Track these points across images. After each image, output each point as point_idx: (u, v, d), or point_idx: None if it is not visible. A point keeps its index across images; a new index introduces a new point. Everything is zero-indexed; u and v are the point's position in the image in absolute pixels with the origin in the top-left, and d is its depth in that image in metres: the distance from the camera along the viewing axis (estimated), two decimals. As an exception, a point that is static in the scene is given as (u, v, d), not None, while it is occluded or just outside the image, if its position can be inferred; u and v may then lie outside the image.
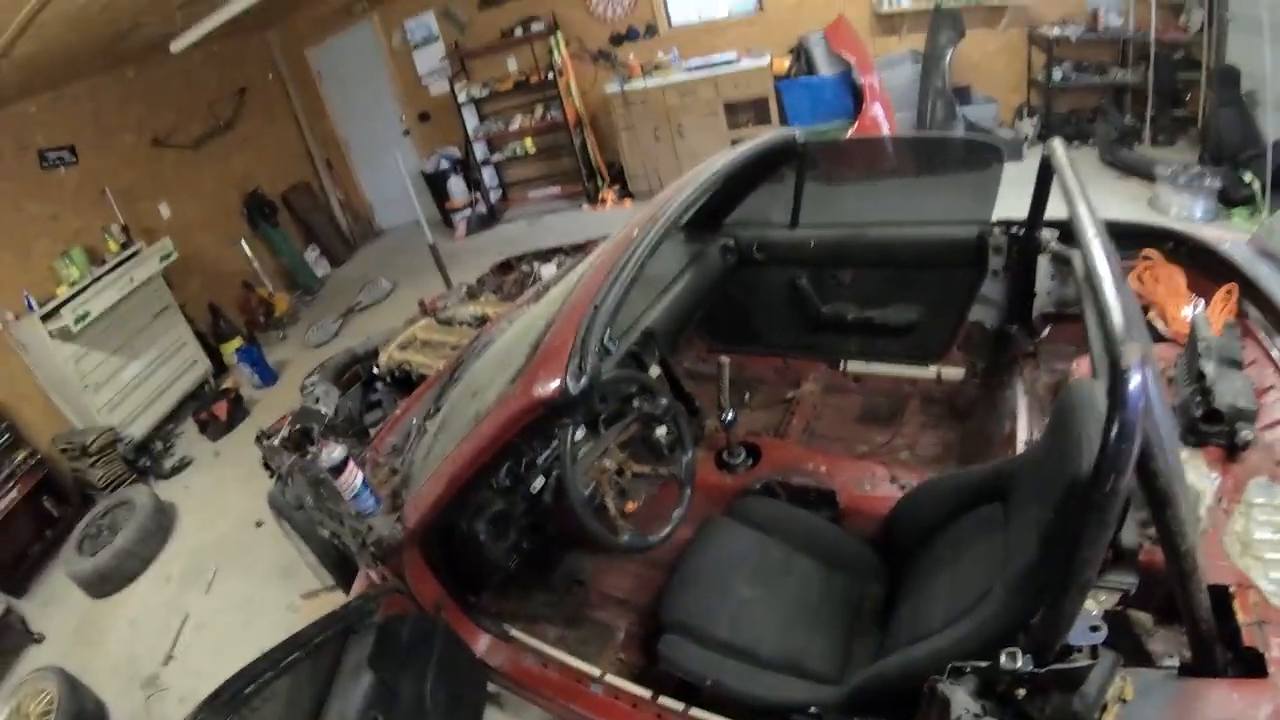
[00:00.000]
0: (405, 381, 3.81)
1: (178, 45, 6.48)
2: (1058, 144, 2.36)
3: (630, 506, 2.59)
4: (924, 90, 7.87)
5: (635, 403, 2.58)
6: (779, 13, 8.60)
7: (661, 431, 2.67)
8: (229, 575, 4.88)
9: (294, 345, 8.12)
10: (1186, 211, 6.25)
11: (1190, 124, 7.62)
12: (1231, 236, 2.80)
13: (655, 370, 3.03)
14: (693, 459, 2.66)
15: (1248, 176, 6.05)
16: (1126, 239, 2.83)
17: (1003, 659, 1.48)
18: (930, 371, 3.75)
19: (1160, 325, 2.63)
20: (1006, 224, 3.23)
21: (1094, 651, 1.45)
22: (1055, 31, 7.86)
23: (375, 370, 3.93)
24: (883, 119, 7.70)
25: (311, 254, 9.61)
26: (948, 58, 7.65)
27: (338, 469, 2.40)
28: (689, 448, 2.66)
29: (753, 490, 3.03)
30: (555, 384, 2.05)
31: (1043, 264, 3.11)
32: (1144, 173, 6.89)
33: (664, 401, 2.55)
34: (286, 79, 9.87)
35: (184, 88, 8.30)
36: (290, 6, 9.23)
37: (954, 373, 3.70)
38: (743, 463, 3.18)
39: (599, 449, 2.61)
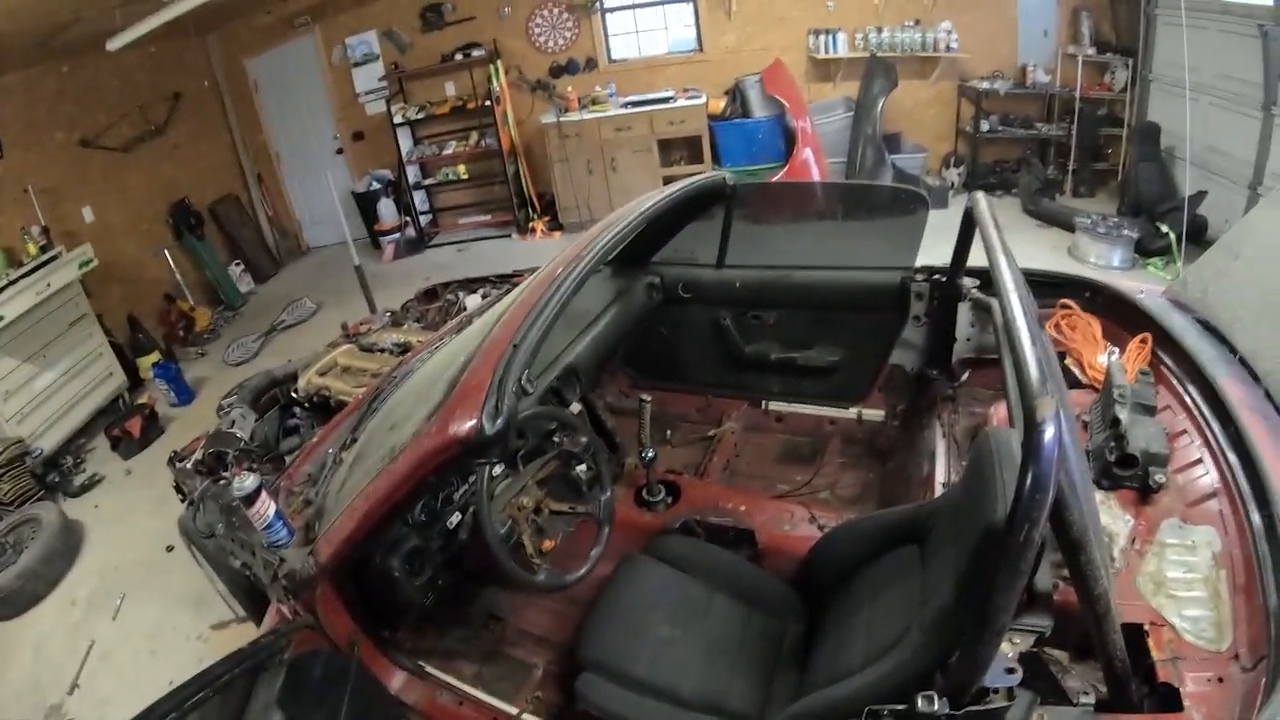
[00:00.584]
0: (324, 407, 3.73)
1: (115, 43, 6.37)
2: (981, 197, 2.40)
3: (547, 545, 2.56)
4: (855, 137, 8.05)
5: (555, 439, 2.57)
6: (717, 53, 8.78)
7: (581, 469, 2.66)
8: (137, 601, 4.70)
9: (213, 362, 7.92)
10: (1104, 260, 6.53)
11: (1110, 177, 8.04)
12: (1147, 287, 2.91)
13: (576, 406, 3.03)
14: (611, 497, 2.66)
15: (1164, 228, 6.37)
16: (1046, 288, 2.97)
17: (920, 702, 1.51)
18: (851, 412, 3.79)
19: (1077, 372, 2.73)
20: (929, 271, 3.29)
21: (1010, 693, 1.49)
22: (985, 85, 8.17)
23: (294, 394, 3.84)
24: (813, 163, 7.81)
25: (236, 269, 9.38)
26: (880, 106, 7.84)
27: (250, 498, 2.33)
28: (608, 486, 2.66)
29: (672, 529, 3.02)
30: (470, 423, 2.01)
31: (963, 311, 3.18)
32: (1064, 222, 7.19)
33: (584, 439, 2.55)
34: (223, 87, 9.69)
35: (118, 88, 8.10)
36: (232, 14, 9.10)
37: (874, 414, 3.75)
38: (662, 501, 3.19)
39: (516, 486, 2.59)
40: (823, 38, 8.41)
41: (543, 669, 2.87)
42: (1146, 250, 6.53)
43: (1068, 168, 8.10)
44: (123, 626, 4.56)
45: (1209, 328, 2.59)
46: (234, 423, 3.53)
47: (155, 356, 7.45)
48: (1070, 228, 6.96)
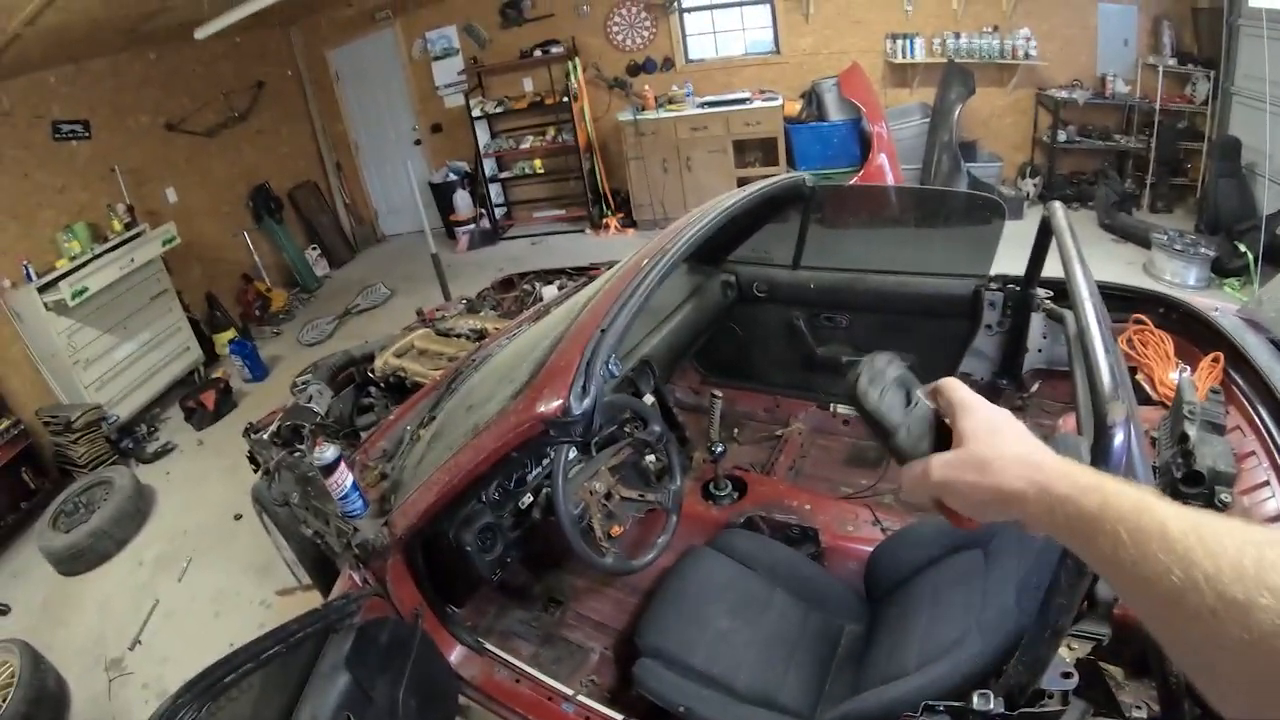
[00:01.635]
0: (400, 388, 3.79)
1: (202, 32, 6.56)
2: (1058, 207, 2.41)
3: (616, 530, 2.60)
4: (931, 143, 7.94)
5: (628, 428, 2.61)
6: (794, 56, 8.70)
7: (651, 459, 2.71)
8: (203, 565, 4.85)
9: (287, 342, 8.10)
10: (1180, 278, 6.34)
11: (1189, 192, 7.75)
12: (1221, 305, 2.84)
13: (650, 398, 3.05)
14: (680, 488, 2.68)
15: (1242, 247, 6.14)
16: (1119, 302, 2.89)
17: (975, 699, 1.52)
18: None
19: (1148, 388, 2.68)
20: (1003, 280, 3.27)
21: (1064, 698, 1.48)
22: (1063, 94, 7.96)
23: (370, 374, 3.91)
24: (888, 168, 7.74)
25: (312, 253, 9.59)
26: (956, 113, 7.72)
27: (329, 468, 2.38)
28: (678, 477, 2.68)
29: (736, 523, 3.03)
30: (558, 402, 2.06)
31: (1036, 321, 3.16)
32: (1141, 238, 6.98)
33: (657, 429, 2.57)
34: (305, 77, 9.91)
35: (203, 75, 8.35)
36: (315, 6, 9.34)
37: None
38: (728, 495, 3.20)
39: (589, 471, 2.65)
40: (900, 42, 8.30)
41: (599, 654, 2.89)
42: (1224, 269, 6.31)
43: (1145, 182, 7.84)
44: (188, 588, 4.70)
45: None
46: (311, 398, 3.62)
47: (231, 333, 7.74)
48: (1146, 243, 6.76)
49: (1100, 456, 1.27)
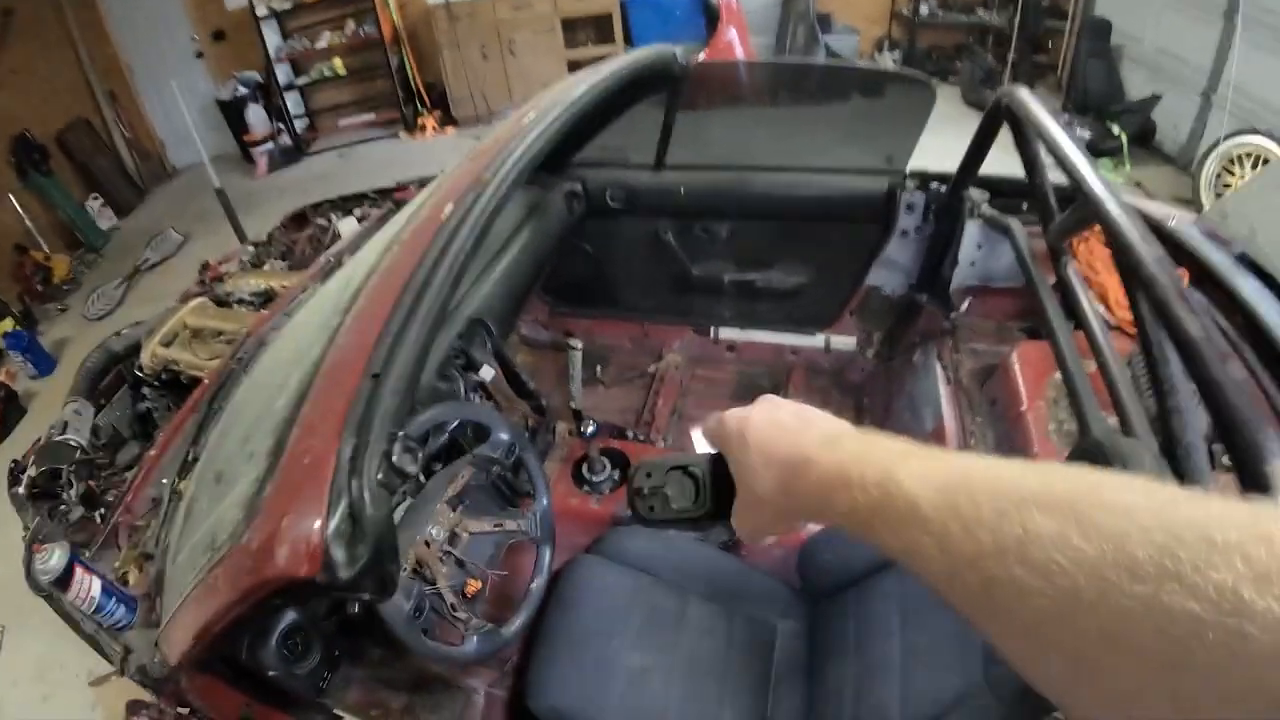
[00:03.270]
0: (176, 384, 3.07)
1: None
2: (1024, 91, 1.96)
3: (473, 587, 1.86)
4: (785, 15, 7.66)
5: (464, 440, 1.92)
6: None
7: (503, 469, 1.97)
8: (18, 633, 4.05)
9: (75, 319, 7.06)
10: None
11: (1050, 71, 8.02)
12: (1178, 214, 2.48)
13: (488, 370, 2.29)
14: (549, 507, 2.01)
15: (1115, 129, 6.35)
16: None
17: None
18: (818, 340, 3.31)
19: (1103, 311, 2.33)
20: (923, 177, 2.79)
21: None
22: None
23: (139, 373, 3.13)
24: (737, 43, 7.16)
25: (94, 204, 8.41)
26: None
27: (62, 581, 1.79)
28: (542, 491, 1.99)
29: (624, 518, 2.46)
30: (302, 558, 1.27)
31: (971, 230, 2.67)
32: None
33: (504, 437, 1.85)
34: None
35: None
36: None
37: (845, 342, 3.30)
38: (607, 479, 2.59)
39: (421, 514, 1.85)
40: None
41: (484, 694, 2.30)
42: (1096, 150, 6.34)
43: (1007, 59, 7.83)
44: (8, 666, 3.95)
45: (1257, 269, 2.19)
46: (66, 425, 2.83)
47: (9, 323, 6.48)
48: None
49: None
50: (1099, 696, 0.47)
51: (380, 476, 1.30)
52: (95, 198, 8.44)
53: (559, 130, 2.00)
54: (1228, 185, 5.31)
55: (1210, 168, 5.44)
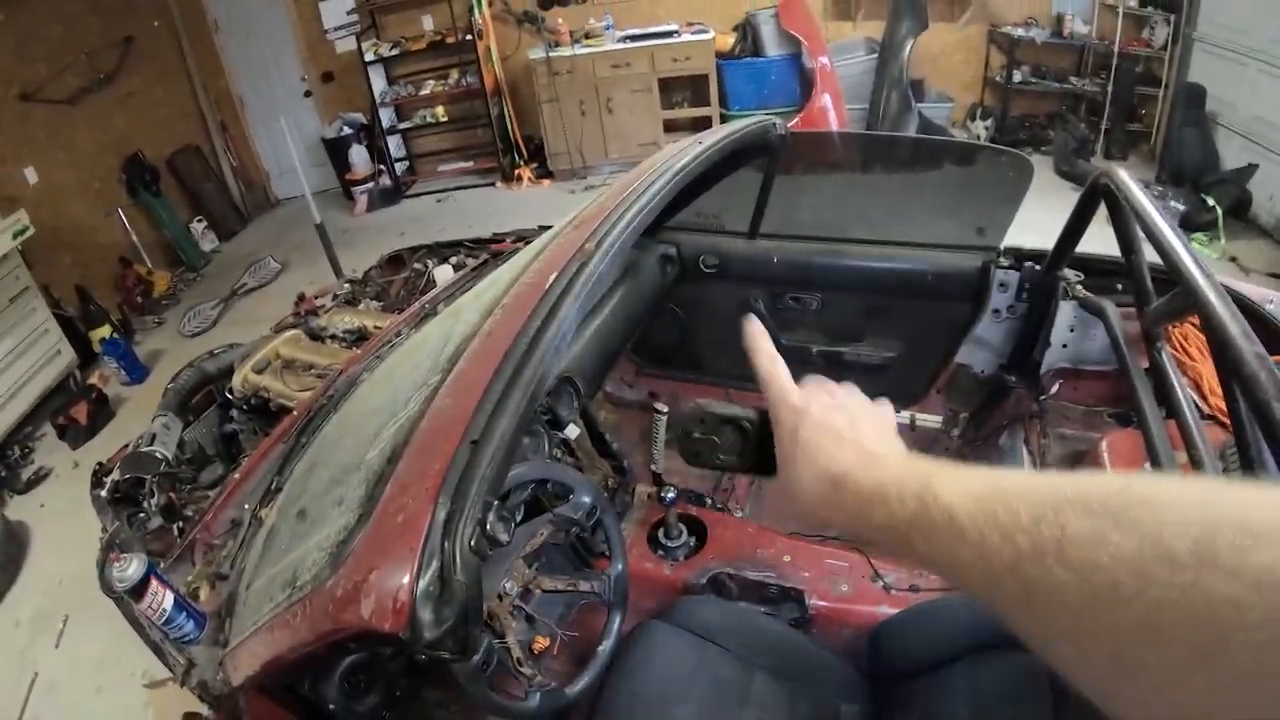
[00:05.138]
0: (264, 410, 3.11)
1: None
2: (1122, 171, 1.92)
3: (540, 644, 1.84)
4: (879, 81, 7.47)
5: (546, 499, 1.90)
6: None
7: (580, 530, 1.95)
8: (82, 624, 4.10)
9: (170, 333, 7.23)
10: None
11: (1143, 139, 7.73)
12: (1276, 296, 2.39)
13: (573, 429, 2.29)
14: (623, 573, 1.98)
15: (1210, 200, 6.09)
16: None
17: None
18: (903, 417, 3.19)
19: (1197, 398, 2.21)
20: (1018, 255, 2.73)
21: None
22: (1018, 32, 7.71)
23: (229, 395, 3.19)
24: (832, 109, 7.28)
25: (198, 226, 8.65)
26: (908, 48, 7.26)
27: (138, 589, 1.78)
28: (619, 556, 1.97)
29: (698, 585, 2.39)
30: (390, 613, 1.27)
31: (1064, 310, 2.60)
32: None
33: (586, 500, 1.83)
34: (180, 28, 8.76)
35: (62, 35, 7.28)
36: None
37: (930, 420, 3.18)
38: (683, 546, 2.52)
39: (498, 568, 1.85)
40: None
41: None
42: (1190, 224, 6.07)
43: (1099, 127, 7.64)
44: (67, 655, 4.02)
45: None
46: (154, 438, 2.88)
47: (107, 330, 6.70)
48: None
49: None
50: (1141, 693, 0.47)
51: (473, 543, 1.30)
52: (200, 220, 8.69)
53: (662, 201, 2.00)
54: None
55: None
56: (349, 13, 8.70)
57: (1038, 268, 2.63)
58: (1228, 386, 1.43)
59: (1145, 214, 1.75)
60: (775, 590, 2.32)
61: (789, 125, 2.91)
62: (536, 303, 1.59)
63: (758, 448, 0.93)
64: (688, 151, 2.20)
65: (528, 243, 2.77)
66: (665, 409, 2.56)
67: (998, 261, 2.73)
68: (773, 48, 7.79)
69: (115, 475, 2.77)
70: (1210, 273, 1.49)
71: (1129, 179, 1.89)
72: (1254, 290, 2.37)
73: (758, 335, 0.94)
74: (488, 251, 3.68)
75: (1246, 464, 1.36)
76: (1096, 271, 2.52)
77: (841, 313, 3.08)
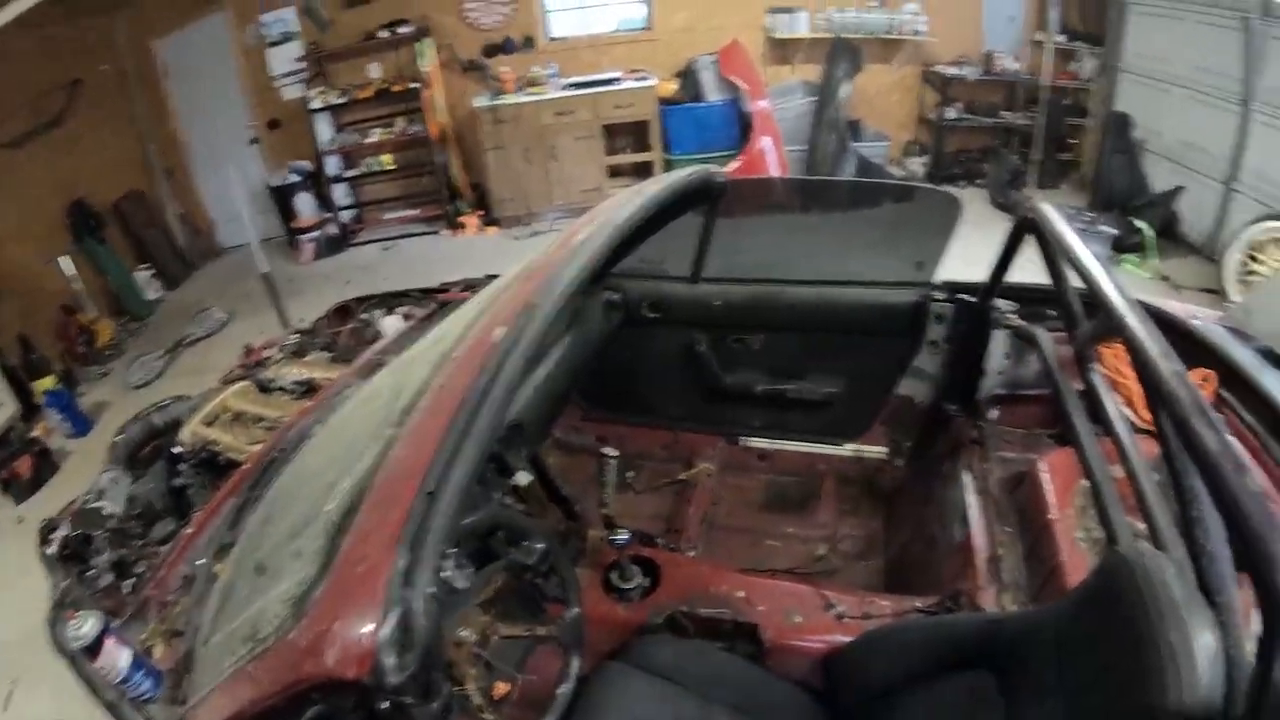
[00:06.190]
0: (213, 464, 3.06)
1: (-1, 19, 5.47)
2: (1048, 205, 2.04)
3: (500, 689, 1.88)
4: (817, 123, 7.74)
5: (499, 545, 1.91)
6: (669, 32, 8.36)
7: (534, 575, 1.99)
8: (31, 687, 3.96)
9: (115, 384, 7.09)
10: None
11: (1073, 168, 8.14)
12: (1202, 313, 2.55)
13: (523, 475, 2.34)
14: (580, 615, 2.01)
15: (1139, 223, 6.45)
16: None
17: None
18: (847, 449, 3.33)
19: (1129, 413, 2.27)
20: (952, 288, 2.87)
21: None
22: (951, 71, 8.04)
23: (178, 449, 3.14)
24: (771, 151, 7.49)
25: (144, 274, 8.48)
26: (844, 91, 7.54)
27: (92, 649, 1.81)
28: (574, 600, 2.00)
29: (654, 625, 2.42)
30: (354, 658, 1.31)
31: (997, 339, 2.71)
32: None
33: (540, 546, 1.87)
34: (130, 72, 8.67)
35: (5, 77, 7.12)
36: None
37: (875, 451, 3.30)
38: (637, 587, 2.55)
39: (453, 615, 1.89)
40: (782, 17, 8.06)
41: None
42: (1122, 246, 6.44)
43: (1031, 158, 7.98)
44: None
45: None
46: (102, 493, 2.87)
47: (51, 380, 6.56)
48: None
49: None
50: None
51: (432, 590, 1.34)
52: (145, 268, 8.50)
53: (605, 253, 2.05)
54: (1252, 272, 5.34)
55: (1235, 255, 5.49)
56: (297, 60, 8.69)
57: (972, 300, 2.75)
58: (1152, 405, 1.52)
59: (1067, 245, 1.85)
60: (730, 626, 2.35)
61: (730, 168, 3.02)
62: (485, 357, 1.64)
63: None
64: (630, 203, 2.26)
65: (475, 292, 2.80)
66: (615, 453, 2.60)
67: (932, 295, 2.85)
68: (713, 93, 7.97)
69: (63, 531, 2.73)
70: (1130, 296, 1.58)
71: (1053, 212, 1.99)
72: (1180, 308, 2.51)
73: None
74: (435, 301, 3.73)
75: (1174, 477, 1.44)
76: (1031, 299, 2.63)
77: (784, 352, 3.18)
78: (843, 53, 7.56)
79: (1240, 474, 1.16)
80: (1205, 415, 1.25)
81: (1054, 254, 2.01)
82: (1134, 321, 1.50)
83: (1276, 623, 1.00)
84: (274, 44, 8.68)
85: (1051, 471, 2.34)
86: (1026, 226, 2.17)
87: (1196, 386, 1.38)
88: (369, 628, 1.29)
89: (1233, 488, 1.15)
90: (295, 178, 8.82)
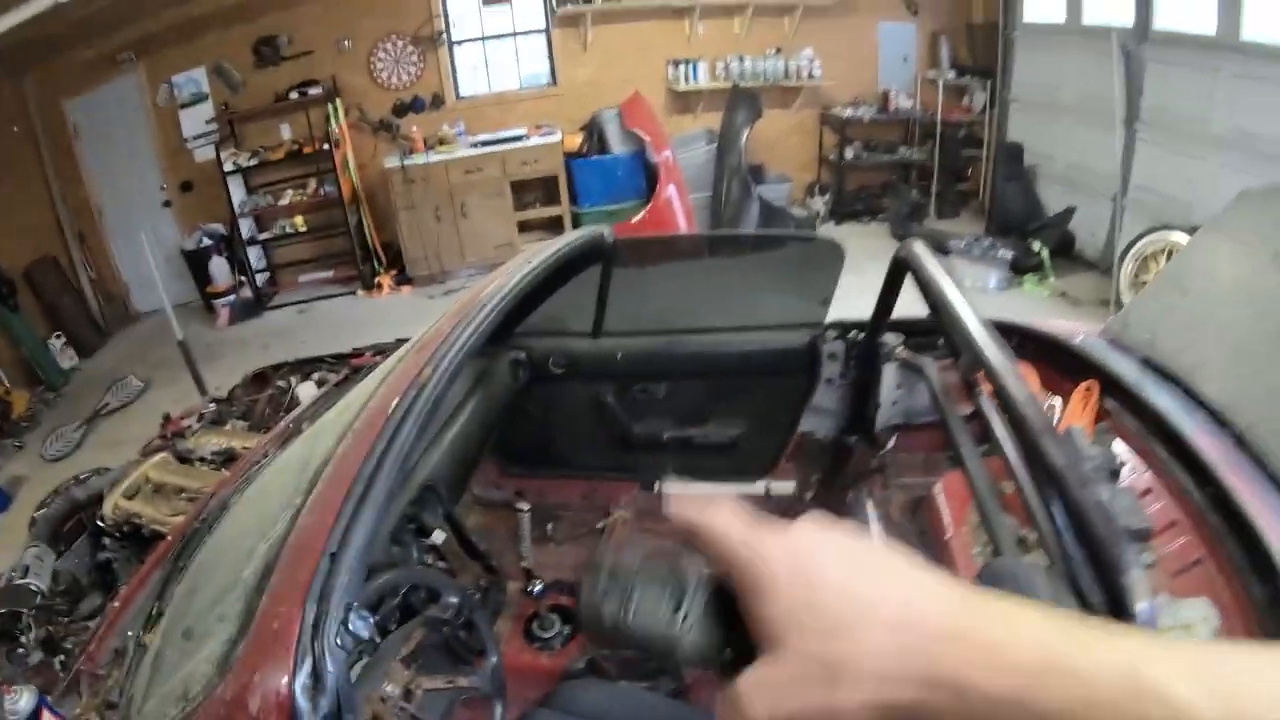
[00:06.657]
0: (137, 536, 3.09)
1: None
2: (918, 244, 2.20)
3: (427, 743, 1.98)
4: (720, 169, 7.88)
5: (416, 605, 2.03)
6: (573, 87, 8.50)
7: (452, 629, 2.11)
8: None
9: (32, 457, 6.90)
10: (981, 281, 6.75)
11: (971, 197, 8.42)
12: (1083, 329, 2.63)
13: (440, 534, 2.46)
14: (500, 664, 2.11)
15: (1035, 245, 6.66)
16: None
17: None
18: (759, 487, 3.40)
19: None
20: (843, 327, 2.99)
21: None
22: (848, 112, 8.30)
23: (101, 523, 3.16)
24: (677, 199, 7.60)
25: (56, 342, 8.27)
26: (744, 137, 7.69)
27: None
28: (493, 649, 2.11)
29: (576, 670, 2.54)
30: (273, 714, 1.42)
31: (888, 372, 2.85)
32: (937, 247, 7.24)
33: (453, 600, 1.99)
34: (39, 133, 8.50)
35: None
36: (48, 50, 8.02)
37: (784, 486, 3.37)
38: (557, 635, 2.68)
39: (375, 672, 1.99)
40: (682, 68, 8.31)
41: None
42: (1021, 268, 6.72)
43: (930, 190, 8.28)
44: None
45: (1160, 372, 2.27)
46: (27, 569, 2.88)
47: (-33, 457, 6.44)
48: (944, 251, 6.93)
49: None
50: None
51: (338, 641, 1.46)
52: (58, 336, 8.29)
53: (494, 320, 2.18)
54: (1144, 281, 5.54)
55: (1128, 268, 5.75)
56: (208, 121, 8.63)
57: (861, 336, 2.89)
58: (1010, 427, 1.66)
59: (932, 282, 2.00)
60: (652, 665, 2.47)
61: (636, 218, 3.15)
62: (379, 429, 1.76)
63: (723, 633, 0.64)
64: (519, 270, 2.41)
65: (385, 356, 2.88)
66: (527, 507, 2.73)
67: (824, 335, 2.98)
68: (618, 145, 8.11)
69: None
70: (986, 327, 1.73)
71: (924, 251, 2.14)
72: (1064, 326, 2.61)
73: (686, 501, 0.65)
74: (348, 366, 3.80)
75: (1037, 488, 1.55)
76: (919, 332, 2.76)
77: (688, 398, 3.29)
78: (742, 100, 7.75)
79: (1084, 485, 1.30)
80: (1051, 433, 1.39)
81: (931, 289, 2.11)
82: (987, 351, 1.65)
83: (1123, 619, 1.12)
84: (185, 105, 8.63)
85: (947, 494, 2.43)
86: (903, 266, 2.30)
87: (1045, 410, 1.55)
88: (285, 678, 1.41)
89: (1077, 499, 1.29)
90: (208, 241, 8.71)
